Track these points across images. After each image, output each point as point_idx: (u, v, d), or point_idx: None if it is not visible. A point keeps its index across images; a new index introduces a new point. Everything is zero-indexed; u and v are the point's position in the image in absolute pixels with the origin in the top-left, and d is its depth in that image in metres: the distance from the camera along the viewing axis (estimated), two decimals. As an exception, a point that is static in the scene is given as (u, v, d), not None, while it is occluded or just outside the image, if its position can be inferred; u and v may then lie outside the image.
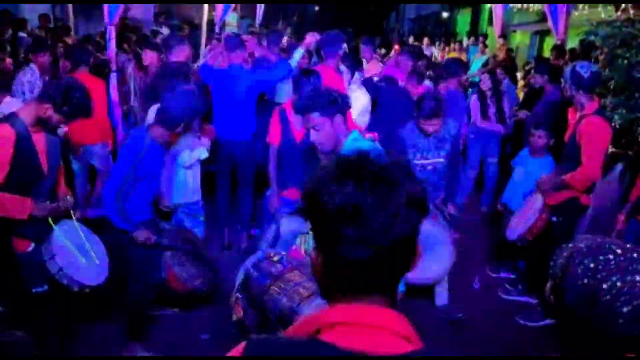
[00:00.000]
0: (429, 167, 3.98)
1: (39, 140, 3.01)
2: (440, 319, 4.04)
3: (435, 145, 3.96)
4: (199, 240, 4.01)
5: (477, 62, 11.09)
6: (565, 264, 1.40)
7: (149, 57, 5.56)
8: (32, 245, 3.08)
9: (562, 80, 3.91)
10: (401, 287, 2.76)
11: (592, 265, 1.34)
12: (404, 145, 3.95)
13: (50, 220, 3.06)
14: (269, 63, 5.17)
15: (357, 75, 5.72)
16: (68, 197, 3.24)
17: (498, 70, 6.96)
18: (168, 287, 3.57)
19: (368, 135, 3.46)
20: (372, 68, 6.79)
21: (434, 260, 3.75)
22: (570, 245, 1.45)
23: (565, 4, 6.85)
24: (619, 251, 1.35)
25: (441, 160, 3.98)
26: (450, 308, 4.11)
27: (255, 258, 2.99)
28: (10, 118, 2.91)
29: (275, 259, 2.95)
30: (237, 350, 1.00)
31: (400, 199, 0.97)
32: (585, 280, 1.34)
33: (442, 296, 4.14)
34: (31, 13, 10.36)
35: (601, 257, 1.35)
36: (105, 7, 6.52)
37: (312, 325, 1.01)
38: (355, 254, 0.97)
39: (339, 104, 2.75)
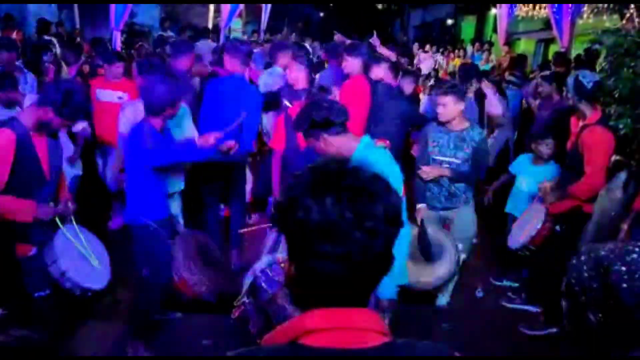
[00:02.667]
0: (445, 165, 3.98)
1: (41, 144, 3.01)
2: (440, 327, 4.02)
3: (454, 143, 3.96)
4: (213, 245, 3.92)
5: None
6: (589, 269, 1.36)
7: None
8: (34, 249, 3.08)
9: (564, 88, 3.90)
10: (393, 295, 2.76)
11: (624, 268, 1.31)
12: (425, 140, 4.08)
13: (57, 220, 3.09)
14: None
15: None
16: (69, 203, 3.25)
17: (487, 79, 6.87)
18: (176, 289, 3.53)
19: (379, 142, 3.46)
20: None
21: (438, 267, 3.78)
22: (584, 251, 1.42)
23: (570, 13, 6.86)
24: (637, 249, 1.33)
25: (457, 161, 3.95)
26: (443, 313, 4.13)
27: (264, 263, 2.96)
28: (11, 122, 2.92)
29: (283, 265, 2.92)
30: None
31: (379, 214, 0.94)
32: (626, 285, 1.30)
33: (442, 299, 4.19)
34: (37, 17, 10.37)
35: (628, 259, 1.32)
36: (112, 12, 6.56)
37: (290, 333, 0.99)
38: (330, 270, 0.94)
39: (320, 125, 2.64)
